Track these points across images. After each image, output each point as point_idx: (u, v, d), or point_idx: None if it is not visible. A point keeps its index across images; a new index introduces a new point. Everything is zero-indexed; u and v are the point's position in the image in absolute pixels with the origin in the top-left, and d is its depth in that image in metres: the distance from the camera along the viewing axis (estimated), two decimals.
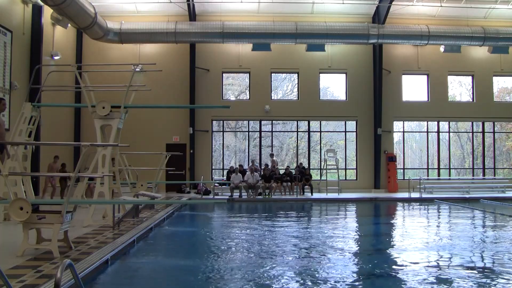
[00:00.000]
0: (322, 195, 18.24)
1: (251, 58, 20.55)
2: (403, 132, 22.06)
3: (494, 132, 22.18)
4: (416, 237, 9.61)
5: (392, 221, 13.18)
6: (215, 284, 5.74)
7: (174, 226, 10.93)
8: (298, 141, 21.41)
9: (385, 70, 20.67)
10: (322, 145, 21.37)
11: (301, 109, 20.79)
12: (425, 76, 21.55)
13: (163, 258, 7.33)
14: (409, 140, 23.46)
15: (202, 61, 20.33)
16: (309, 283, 5.67)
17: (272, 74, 21.18)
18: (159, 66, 16.04)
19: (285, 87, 22.54)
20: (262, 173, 18.05)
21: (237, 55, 20.63)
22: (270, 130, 21.46)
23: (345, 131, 21.59)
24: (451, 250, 7.95)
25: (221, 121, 21.17)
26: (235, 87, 22.10)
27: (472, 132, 22.31)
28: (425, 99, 21.54)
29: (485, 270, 6.45)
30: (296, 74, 21.27)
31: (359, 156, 21.13)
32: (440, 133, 21.96)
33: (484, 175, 21.84)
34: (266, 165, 18.77)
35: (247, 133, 21.66)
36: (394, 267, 6.72)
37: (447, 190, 19.66)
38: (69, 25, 17.15)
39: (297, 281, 5.76)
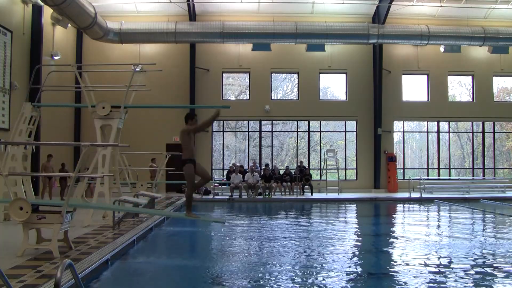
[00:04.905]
0: (322, 195, 18.24)
1: (251, 58, 20.55)
2: (403, 132, 22.06)
3: (494, 132, 22.18)
4: (416, 237, 9.60)
5: (392, 221, 13.19)
6: (215, 283, 5.74)
7: (174, 226, 10.92)
8: (298, 141, 21.41)
9: (385, 70, 20.66)
10: (322, 145, 21.36)
11: (301, 109, 20.78)
12: (425, 76, 21.54)
13: (163, 258, 7.34)
14: (409, 140, 23.46)
15: (202, 61, 20.32)
16: (309, 283, 5.67)
17: (272, 74, 21.17)
18: (159, 66, 16.02)
19: (285, 87, 22.53)
20: (262, 173, 18.06)
21: (237, 55, 20.62)
22: (270, 130, 21.46)
23: (345, 131, 21.59)
24: (451, 250, 7.95)
25: (221, 121, 21.17)
26: (235, 87, 22.09)
27: (472, 132, 22.30)
28: (425, 99, 21.53)
29: (485, 271, 6.44)
30: (296, 74, 21.26)
31: (359, 156, 21.12)
32: (440, 133, 21.96)
33: (484, 175, 21.84)
34: (267, 165, 18.78)
35: (247, 133, 21.65)
36: (394, 267, 6.72)
37: (447, 190, 19.64)
38: (69, 25, 17.15)
39: (297, 281, 5.76)
